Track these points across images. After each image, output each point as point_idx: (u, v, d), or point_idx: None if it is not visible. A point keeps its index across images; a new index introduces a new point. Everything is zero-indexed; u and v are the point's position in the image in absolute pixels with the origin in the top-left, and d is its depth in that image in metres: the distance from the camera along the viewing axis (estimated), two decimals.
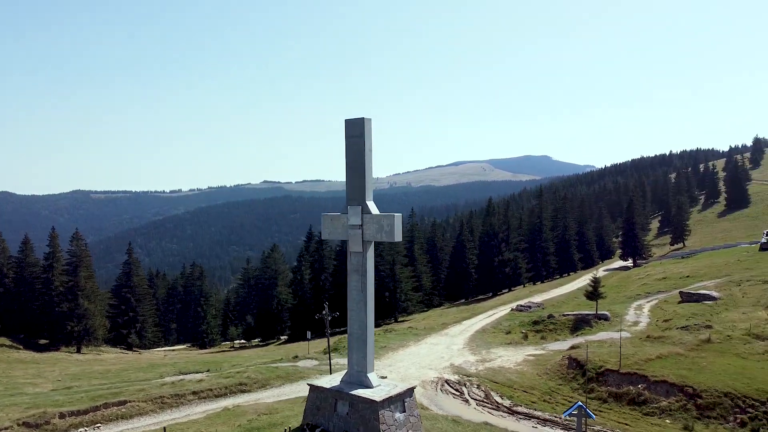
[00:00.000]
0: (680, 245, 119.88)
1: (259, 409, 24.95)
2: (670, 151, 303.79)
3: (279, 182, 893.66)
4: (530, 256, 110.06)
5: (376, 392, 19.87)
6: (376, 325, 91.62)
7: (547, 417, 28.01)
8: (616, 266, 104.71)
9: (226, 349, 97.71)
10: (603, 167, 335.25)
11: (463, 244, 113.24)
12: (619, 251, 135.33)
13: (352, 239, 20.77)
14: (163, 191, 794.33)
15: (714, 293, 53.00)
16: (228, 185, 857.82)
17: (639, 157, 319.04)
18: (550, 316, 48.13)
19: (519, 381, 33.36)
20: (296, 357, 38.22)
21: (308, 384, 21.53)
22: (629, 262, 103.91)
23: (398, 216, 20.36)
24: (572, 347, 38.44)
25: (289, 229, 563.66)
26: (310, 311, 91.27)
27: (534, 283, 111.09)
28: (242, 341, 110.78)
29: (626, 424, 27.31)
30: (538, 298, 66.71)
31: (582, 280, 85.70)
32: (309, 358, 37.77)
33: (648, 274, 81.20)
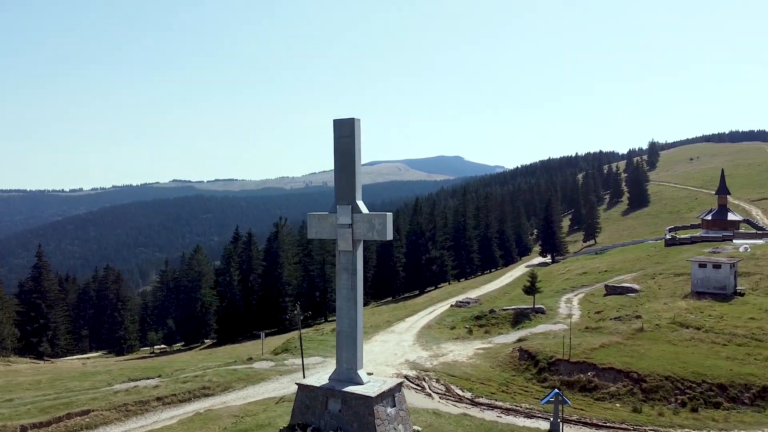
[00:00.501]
0: (592, 242, 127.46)
1: (232, 412, 24.50)
2: (576, 153, 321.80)
3: (190, 181, 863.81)
4: (455, 253, 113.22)
5: (369, 388, 20.15)
6: (305, 325, 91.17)
7: (509, 406, 29.30)
8: (536, 262, 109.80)
9: (147, 354, 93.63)
10: (514, 168, 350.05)
11: (390, 243, 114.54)
12: (536, 248, 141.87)
13: (341, 238, 20.91)
14: (62, 190, 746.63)
15: (635, 286, 57.05)
16: (134, 184, 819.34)
17: (547, 158, 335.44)
18: (491, 311, 50.04)
19: (475, 374, 34.57)
20: (250, 359, 37.53)
21: (297, 383, 21.46)
22: (548, 258, 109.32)
23: (389, 215, 20.76)
24: (520, 339, 40.28)
25: (202, 229, 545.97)
26: (239, 313, 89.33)
27: (458, 280, 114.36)
28: (163, 346, 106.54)
29: (582, 410, 29.09)
30: (472, 294, 68.95)
31: (507, 276, 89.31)
32: (264, 360, 37.22)
33: (568, 269, 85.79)
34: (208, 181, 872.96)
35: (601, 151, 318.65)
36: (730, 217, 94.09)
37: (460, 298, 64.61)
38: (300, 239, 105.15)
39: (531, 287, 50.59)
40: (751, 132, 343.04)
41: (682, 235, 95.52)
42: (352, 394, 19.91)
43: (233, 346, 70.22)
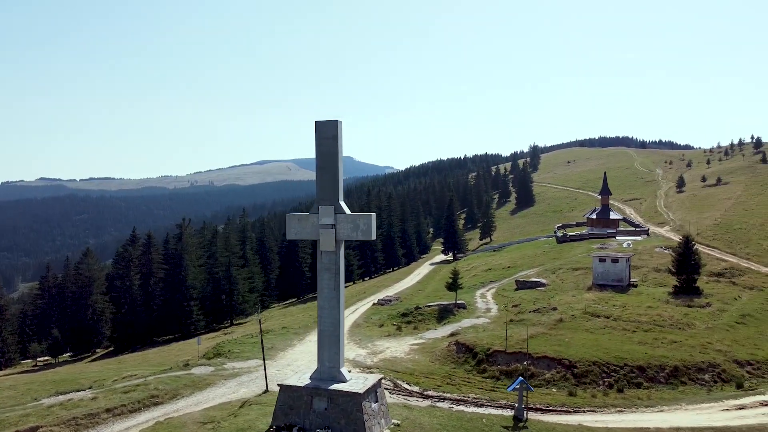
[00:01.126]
0: (488, 240, 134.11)
1: (195, 419, 23.78)
2: (465, 155, 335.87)
3: (60, 179, 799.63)
4: (360, 253, 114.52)
5: (354, 385, 20.53)
6: (210, 329, 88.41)
7: (457, 397, 30.71)
8: (438, 260, 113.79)
9: (29, 368, 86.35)
10: (406, 168, 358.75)
11: (295, 243, 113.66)
12: (434, 246, 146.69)
13: (324, 238, 21.09)
14: None
15: (543, 280, 61.24)
16: None
17: (437, 159, 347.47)
18: (417, 308, 51.61)
19: (417, 368, 35.73)
20: (187, 365, 36.13)
21: (279, 384, 21.34)
22: (450, 256, 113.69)
23: (373, 216, 21.28)
24: (452, 334, 42.07)
25: (75, 231, 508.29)
26: (140, 319, 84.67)
27: (363, 279, 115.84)
28: (47, 358, 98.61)
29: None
30: (388, 292, 70.39)
31: (416, 275, 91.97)
32: (202, 365, 35.96)
33: (473, 266, 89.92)
34: (81, 180, 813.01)
35: (487, 153, 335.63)
36: (612, 216, 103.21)
37: (381, 296, 65.82)
38: (203, 241, 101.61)
39: (453, 283, 52.79)
40: (617, 138, 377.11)
41: (571, 232, 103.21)
42: (339, 391, 20.18)
43: (143, 353, 66.70)
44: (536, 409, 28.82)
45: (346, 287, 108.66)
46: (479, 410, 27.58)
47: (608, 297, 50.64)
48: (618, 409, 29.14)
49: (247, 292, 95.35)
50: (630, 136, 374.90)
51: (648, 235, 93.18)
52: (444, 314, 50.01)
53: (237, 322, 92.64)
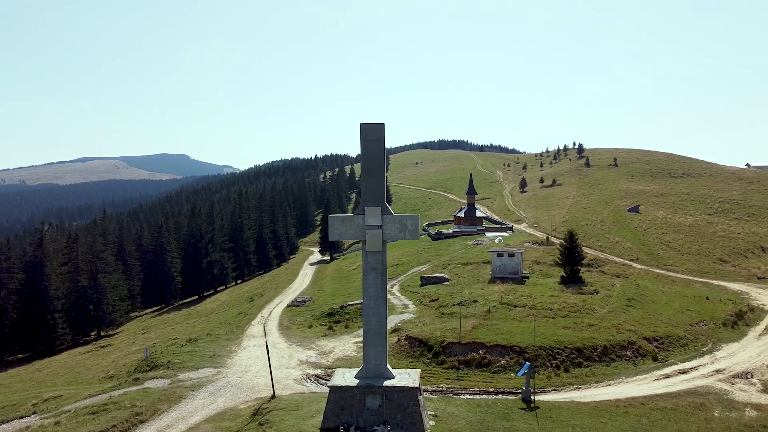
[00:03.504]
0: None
1: (210, 431, 22.65)
2: (316, 155, 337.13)
3: None
4: (234, 255, 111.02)
5: (405, 380, 21.18)
6: (76, 344, 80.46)
7: (433, 389, 32.22)
8: (316, 260, 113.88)
9: None
10: (252, 167, 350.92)
11: (163, 247, 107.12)
12: (302, 246, 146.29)
13: (370, 239, 21.39)
14: None
15: (446, 275, 64.84)
16: None
17: (285, 159, 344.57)
18: (342, 307, 52.02)
19: None
20: (137, 379, 33.18)
21: (329, 386, 21.17)
22: (327, 256, 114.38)
23: (418, 216, 21.96)
24: (396, 330, 43.35)
25: None
26: None
27: (237, 282, 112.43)
28: None
29: (490, 382, 33.52)
30: (290, 294, 69.42)
31: (303, 275, 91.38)
32: (154, 378, 33.29)
33: (358, 264, 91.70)
34: None
35: (336, 154, 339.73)
36: (478, 214, 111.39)
37: (284, 298, 64.91)
38: (58, 246, 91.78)
39: None
40: (455, 141, 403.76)
41: (443, 230, 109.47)
42: (395, 387, 20.70)
43: (7, 374, 58.88)
44: (509, 393, 31.31)
45: (222, 290, 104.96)
46: (479, 398, 29.40)
47: (513, 288, 55.35)
48: (575, 386, 32.66)
49: (117, 301, 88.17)
50: (466, 140, 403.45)
51: (512, 231, 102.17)
52: None
53: (107, 333, 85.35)
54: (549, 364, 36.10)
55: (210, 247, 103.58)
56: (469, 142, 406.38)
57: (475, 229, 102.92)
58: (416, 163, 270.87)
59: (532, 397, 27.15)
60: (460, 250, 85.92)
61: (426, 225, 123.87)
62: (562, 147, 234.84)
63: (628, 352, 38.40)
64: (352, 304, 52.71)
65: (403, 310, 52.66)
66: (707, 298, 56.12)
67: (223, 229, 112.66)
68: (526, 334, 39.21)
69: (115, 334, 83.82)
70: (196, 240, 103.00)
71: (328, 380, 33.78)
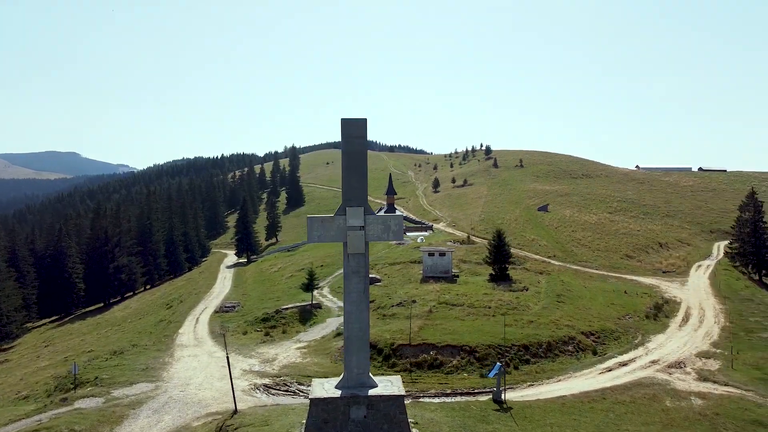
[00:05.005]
0: (274, 240, 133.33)
1: None
2: (222, 154, 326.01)
3: None
4: (143, 259, 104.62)
5: (389, 388, 20.24)
6: None
7: (414, 393, 31.44)
8: (232, 263, 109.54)
9: None
10: (152, 166, 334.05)
11: (62, 252, 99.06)
12: (213, 249, 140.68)
13: (353, 241, 20.22)
14: None
15: (376, 276, 64.18)
16: None
17: (194, 157, 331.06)
18: (277, 311, 49.88)
19: (325, 371, 35.20)
20: (65, 399, 29.67)
21: (311, 399, 19.74)
22: (244, 259, 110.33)
23: (402, 216, 21.01)
24: (339, 333, 42.07)
25: None
26: None
27: (146, 288, 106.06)
28: None
29: (444, 383, 33.21)
30: (213, 299, 65.88)
31: (222, 278, 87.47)
32: (85, 397, 29.95)
33: (279, 267, 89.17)
34: None
35: (243, 153, 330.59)
36: (398, 213, 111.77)
37: (209, 304, 61.57)
38: None
39: (309, 284, 52.39)
40: None
41: None
42: (381, 396, 19.68)
43: None
44: (466, 393, 31.14)
45: (131, 297, 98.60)
46: (450, 400, 28.89)
47: (447, 288, 55.66)
48: (528, 384, 33.05)
49: (11, 311, 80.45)
50: (375, 140, 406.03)
51: (433, 231, 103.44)
52: (306, 315, 49.50)
53: (1, 347, 77.59)
54: (497, 362, 36.34)
55: (117, 250, 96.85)
56: (378, 142, 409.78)
57: None
58: (327, 163, 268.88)
59: (503, 398, 27.03)
60: (384, 250, 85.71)
61: None
62: (470, 148, 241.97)
63: (570, 347, 39.51)
64: (288, 308, 50.81)
65: (339, 312, 51.46)
66: (625, 292, 59.25)
67: (131, 232, 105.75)
68: (473, 333, 39.34)
69: (11, 348, 76.22)
70: (101, 243, 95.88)
71: (279, 390, 32.19)
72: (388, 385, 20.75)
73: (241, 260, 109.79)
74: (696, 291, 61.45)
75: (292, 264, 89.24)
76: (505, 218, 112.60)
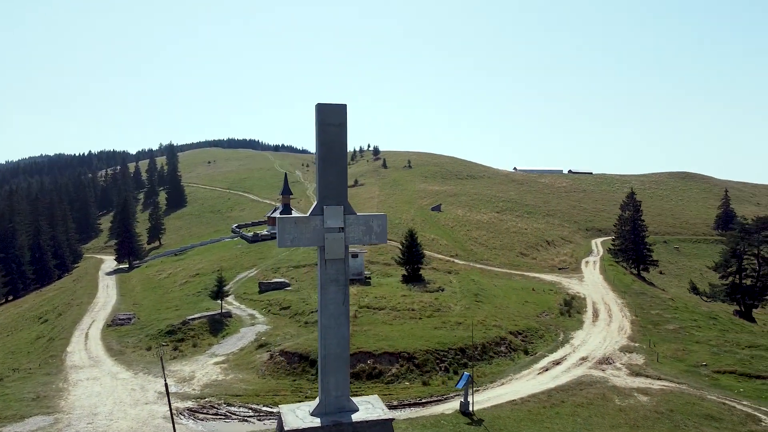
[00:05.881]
0: (157, 243, 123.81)
1: None
2: (90, 151, 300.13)
3: None
4: (5, 266, 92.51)
5: (372, 411, 17.87)
6: None
7: None
8: (111, 269, 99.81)
9: None
10: (11, 162, 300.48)
11: None
12: (86, 254, 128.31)
13: (331, 245, 17.63)
14: None
15: (285, 280, 60.74)
16: None
17: (54, 154, 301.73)
18: (184, 323, 44.89)
19: (255, 387, 31.90)
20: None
21: (287, 431, 16.61)
22: (125, 264, 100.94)
23: (386, 216, 18.62)
24: (261, 345, 38.63)
25: None
26: None
27: (8, 299, 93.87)
28: None
29: (388, 394, 31.21)
30: (99, 311, 58.67)
31: (106, 287, 79.04)
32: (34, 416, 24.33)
33: (170, 273, 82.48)
34: None
35: (114, 150, 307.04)
36: (294, 214, 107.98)
37: (96, 317, 54.71)
38: None
39: (219, 291, 48.00)
40: (245, 140, 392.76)
41: (249, 232, 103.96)
42: (368, 422, 17.24)
43: None
44: (413, 404, 29.37)
45: None
46: (414, 415, 26.81)
47: (363, 290, 53.75)
48: (475, 389, 31.90)
49: None
50: (257, 140, 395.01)
51: None
52: (217, 326, 45.24)
53: None
54: (438, 368, 34.99)
55: None
56: (261, 141, 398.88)
57: None
58: (209, 162, 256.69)
59: (472, 409, 25.50)
60: (285, 252, 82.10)
61: (236, 227, 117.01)
62: (358, 149, 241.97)
63: (502, 348, 39.11)
64: (195, 318, 46.17)
65: (252, 320, 47.74)
66: (533, 290, 60.78)
67: None
68: (408, 338, 37.72)
69: None
70: None
71: (207, 414, 28.54)
72: (369, 406, 18.33)
73: (122, 266, 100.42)
74: (594, 286, 64.48)
75: (183, 269, 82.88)
76: (402, 218, 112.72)
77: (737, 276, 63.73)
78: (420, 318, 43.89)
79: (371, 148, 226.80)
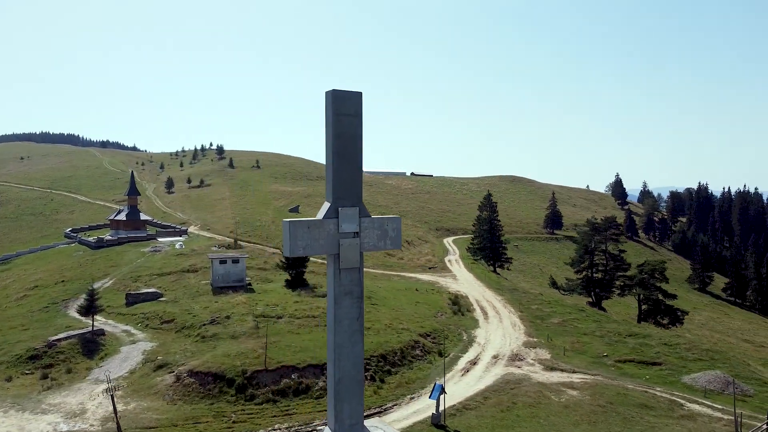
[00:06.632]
0: None
1: None
2: None
3: None
4: None
5: None
6: None
7: None
8: None
9: None
10: None
11: None
12: None
13: (346, 252, 15.05)
14: None
15: (157, 290, 54.56)
16: None
17: None
18: (49, 345, 37.77)
19: (167, 417, 27.74)
20: None
21: None
22: None
23: (400, 219, 16.63)
24: (160, 366, 33.73)
25: None
26: None
27: None
28: None
29: (320, 411, 28.99)
30: None
31: None
32: None
33: (4, 284, 70.65)
34: None
35: None
36: (143, 217, 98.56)
37: None
38: None
39: (90, 306, 41.31)
40: (63, 135, 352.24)
41: (102, 236, 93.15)
42: None
43: None
44: (369, 416, 27.54)
45: None
46: None
47: (250, 298, 50.10)
48: (410, 397, 30.91)
49: None
50: (78, 134, 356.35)
51: (188, 235, 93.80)
52: (90, 346, 38.93)
53: None
54: (365, 377, 33.34)
55: None
56: (82, 136, 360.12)
57: (145, 234, 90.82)
58: (22, 158, 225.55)
59: (444, 421, 24.23)
60: (140, 259, 74.38)
61: (71, 231, 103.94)
62: (199, 147, 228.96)
63: (417, 351, 38.57)
64: (62, 339, 39.28)
65: (130, 338, 41.96)
66: (416, 290, 61.32)
67: None
68: (324, 347, 35.50)
69: None
70: None
71: None
72: None
73: None
74: (470, 285, 66.92)
75: (15, 281, 71.41)
76: (261, 220, 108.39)
77: (590, 270, 70.19)
78: (325, 325, 41.72)
79: (214, 147, 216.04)
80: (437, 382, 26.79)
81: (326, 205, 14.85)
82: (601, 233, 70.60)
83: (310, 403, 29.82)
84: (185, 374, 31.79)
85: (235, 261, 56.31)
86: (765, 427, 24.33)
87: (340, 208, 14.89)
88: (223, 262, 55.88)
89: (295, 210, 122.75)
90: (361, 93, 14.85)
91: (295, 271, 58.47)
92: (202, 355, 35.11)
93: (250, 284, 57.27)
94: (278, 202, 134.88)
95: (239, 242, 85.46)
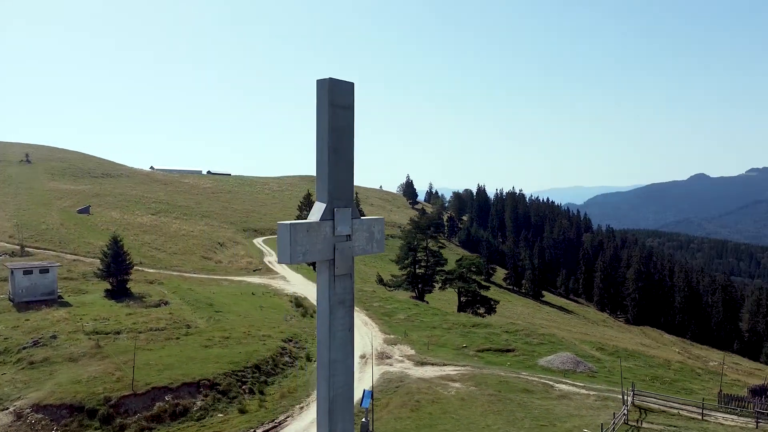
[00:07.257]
0: None
1: None
2: None
3: None
4: None
5: None
6: None
7: None
8: None
9: None
10: None
11: None
12: None
13: (341, 256, 13.54)
14: None
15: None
16: None
17: None
18: None
19: None
20: None
21: None
22: None
23: (383, 219, 15.44)
24: (8, 402, 27.15)
25: None
26: None
27: None
28: None
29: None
30: None
31: None
32: None
33: None
34: None
35: None
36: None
37: None
38: None
39: None
40: None
41: None
42: None
43: None
44: None
45: None
46: None
47: (74, 312, 43.31)
48: (300, 406, 29.43)
49: None
50: None
51: None
52: None
53: None
54: (243, 390, 30.94)
55: None
56: None
57: None
58: None
59: (372, 429, 23.09)
60: None
61: None
62: None
63: (286, 358, 36.95)
64: None
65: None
66: (253, 294, 58.69)
67: None
68: (191, 363, 32.23)
69: None
70: None
71: None
72: None
73: None
74: (304, 285, 66.01)
75: None
76: (47, 222, 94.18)
77: (413, 267, 73.99)
78: (178, 338, 37.81)
79: None
80: (366, 389, 25.79)
81: (321, 206, 13.39)
82: (424, 232, 74.88)
83: (192, 427, 26.72)
84: (28, 410, 26.18)
85: (44, 271, 48.03)
86: (628, 398, 28.02)
87: (336, 209, 13.52)
88: (28, 272, 47.26)
89: (85, 211, 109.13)
90: (353, 83, 13.58)
91: (117, 279, 52.00)
92: (41, 384, 29.23)
93: (61, 297, 49.39)
94: (61, 201, 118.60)
95: (26, 249, 73.35)
